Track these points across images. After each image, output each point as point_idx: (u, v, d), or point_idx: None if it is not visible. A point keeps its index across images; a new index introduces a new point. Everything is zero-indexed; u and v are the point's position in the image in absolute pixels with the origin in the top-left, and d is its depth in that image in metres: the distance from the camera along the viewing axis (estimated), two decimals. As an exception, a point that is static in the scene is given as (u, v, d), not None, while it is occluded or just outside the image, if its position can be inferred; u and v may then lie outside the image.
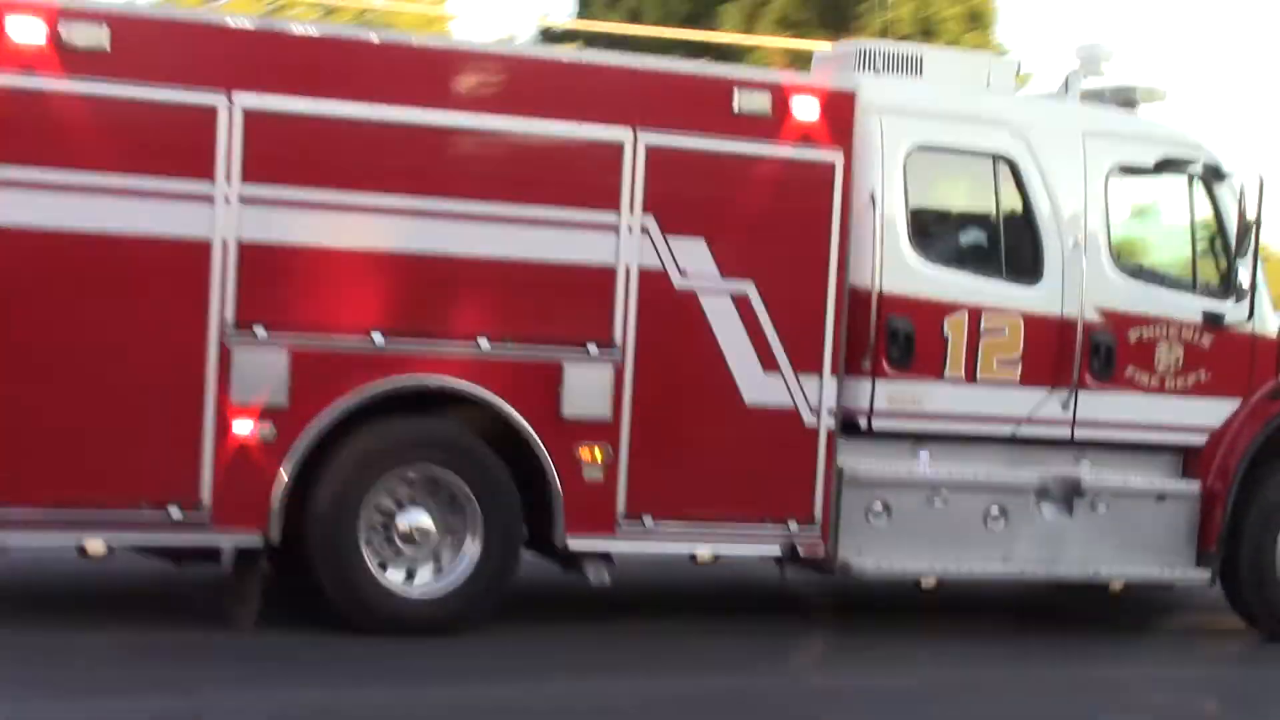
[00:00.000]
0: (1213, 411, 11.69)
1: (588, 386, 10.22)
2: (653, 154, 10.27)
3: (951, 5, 39.35)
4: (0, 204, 9.17)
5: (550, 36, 37.07)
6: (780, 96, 10.50)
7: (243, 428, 9.62)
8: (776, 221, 10.57)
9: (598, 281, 10.23)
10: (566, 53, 10.69)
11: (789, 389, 10.61)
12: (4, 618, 10.02)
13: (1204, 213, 11.77)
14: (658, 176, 10.28)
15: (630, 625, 11.06)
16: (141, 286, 9.46)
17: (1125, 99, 11.93)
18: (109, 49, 9.29)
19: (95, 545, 9.56)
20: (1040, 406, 11.25)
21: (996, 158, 11.26)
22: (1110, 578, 11.55)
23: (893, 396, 10.92)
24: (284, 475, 9.68)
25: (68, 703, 8.41)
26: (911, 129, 11.01)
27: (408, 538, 10.05)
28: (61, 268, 9.34)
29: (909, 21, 38.74)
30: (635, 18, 36.59)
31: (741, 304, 10.50)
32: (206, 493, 9.57)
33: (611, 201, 10.23)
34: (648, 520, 10.37)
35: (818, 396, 10.66)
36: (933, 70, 11.49)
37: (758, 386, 10.56)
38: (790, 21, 37.53)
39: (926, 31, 39.05)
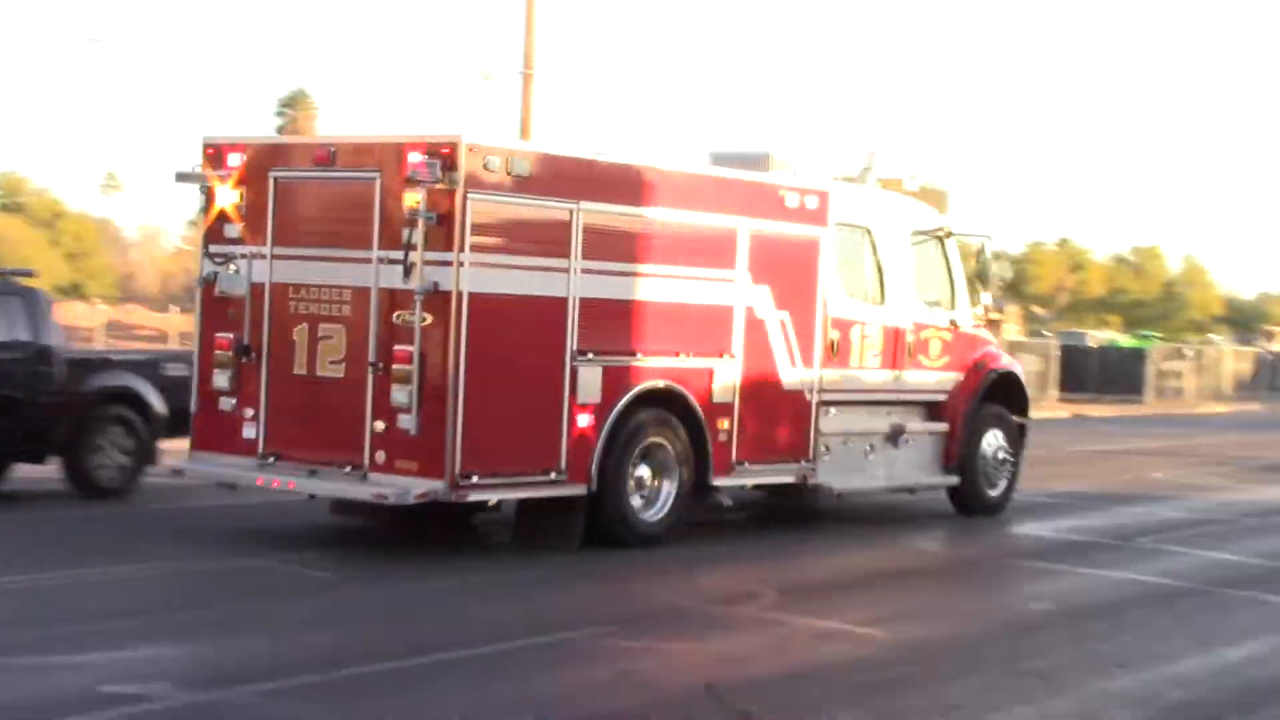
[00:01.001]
0: (951, 379, 19.20)
1: (724, 381, 16.17)
2: (752, 235, 16.31)
3: None
4: (482, 278, 13.99)
5: None
6: (802, 194, 16.83)
7: (580, 418, 14.86)
8: (795, 272, 16.92)
9: (726, 316, 16.18)
10: (716, 169, 16.25)
11: (801, 377, 17.01)
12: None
13: (945, 259, 19.21)
14: (753, 248, 16.33)
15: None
16: (537, 328, 14.52)
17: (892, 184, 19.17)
18: (530, 175, 14.26)
19: (493, 499, 14.58)
20: (888, 380, 18.28)
21: (864, 229, 18.12)
22: (920, 485, 18.89)
23: (828, 379, 17.54)
24: (599, 447, 15.00)
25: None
26: (837, 212, 17.58)
27: (639, 484, 15.58)
28: (503, 316, 14.25)
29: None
30: None
31: (782, 325, 16.76)
32: (563, 461, 14.76)
33: (732, 264, 16.19)
34: (746, 464, 16.46)
35: (813, 381, 17.12)
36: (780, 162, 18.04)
37: (788, 376, 16.89)
38: None
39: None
